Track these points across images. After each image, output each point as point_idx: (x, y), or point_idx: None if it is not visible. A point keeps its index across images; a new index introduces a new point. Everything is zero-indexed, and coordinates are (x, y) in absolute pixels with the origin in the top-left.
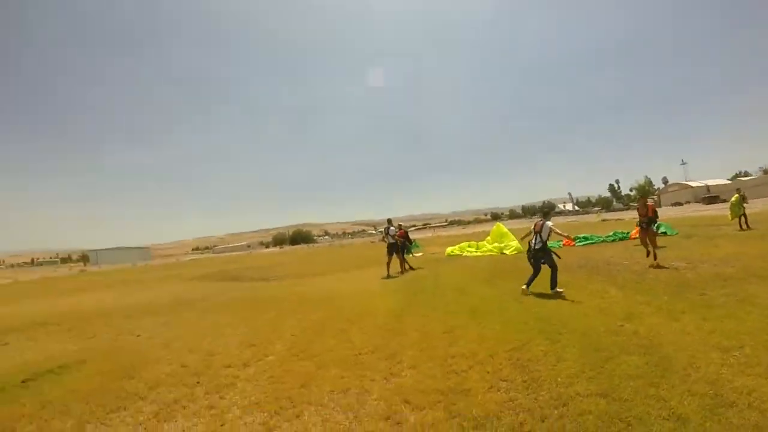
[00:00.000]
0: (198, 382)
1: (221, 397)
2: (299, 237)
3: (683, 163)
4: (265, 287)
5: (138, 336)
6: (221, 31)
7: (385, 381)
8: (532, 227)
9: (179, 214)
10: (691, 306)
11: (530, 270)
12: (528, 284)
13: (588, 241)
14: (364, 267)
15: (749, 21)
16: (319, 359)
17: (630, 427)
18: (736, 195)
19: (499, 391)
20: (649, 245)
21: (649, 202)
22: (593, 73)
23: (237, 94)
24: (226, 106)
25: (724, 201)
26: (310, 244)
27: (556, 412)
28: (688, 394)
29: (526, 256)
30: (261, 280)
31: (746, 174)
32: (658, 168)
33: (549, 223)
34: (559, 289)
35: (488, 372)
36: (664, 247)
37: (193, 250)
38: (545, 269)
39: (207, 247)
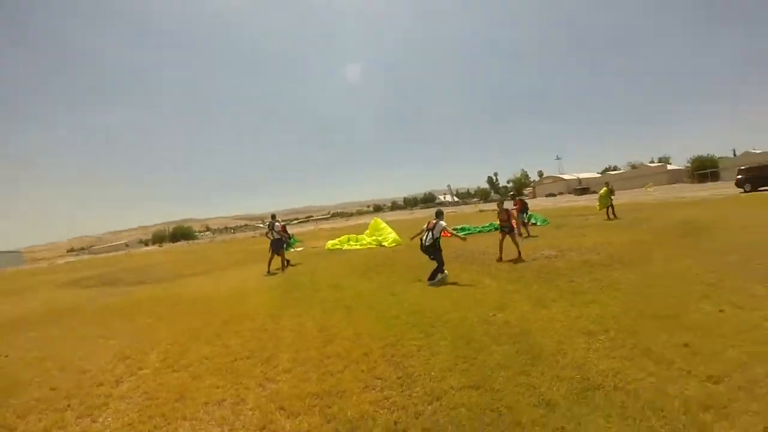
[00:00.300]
0: (69, 406)
1: (93, 421)
2: (180, 234)
3: (558, 158)
4: (141, 291)
5: (6, 356)
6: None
7: (260, 388)
8: (425, 226)
9: (52, 212)
10: (560, 293)
11: (403, 261)
12: (430, 278)
13: (466, 232)
14: (244, 264)
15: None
16: (194, 369)
17: (501, 417)
18: (605, 188)
19: (374, 390)
20: (514, 241)
21: (511, 208)
22: (476, 70)
23: (119, 74)
24: (106, 85)
25: (594, 192)
26: (191, 241)
27: (429, 407)
28: (556, 380)
29: (403, 247)
30: (137, 283)
31: (615, 168)
32: (535, 162)
33: (442, 223)
34: (440, 275)
35: (363, 371)
36: (536, 236)
37: (68, 251)
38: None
39: (83, 248)
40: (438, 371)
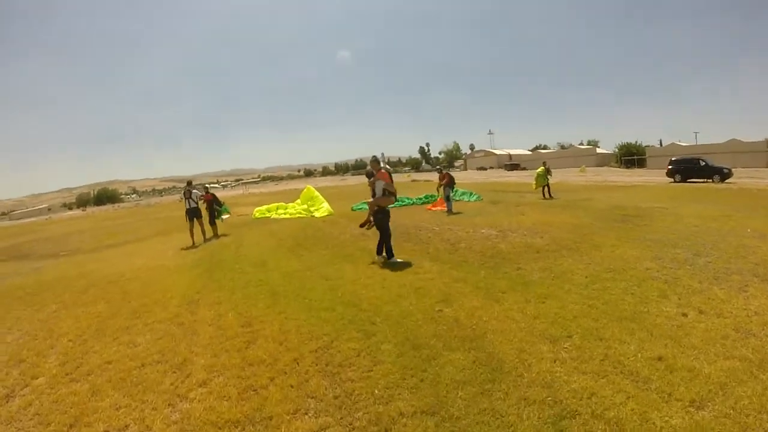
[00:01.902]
0: None
1: None
2: (105, 196)
3: (490, 133)
4: (53, 267)
5: None
6: None
7: (169, 408)
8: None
9: None
10: (510, 284)
11: (335, 237)
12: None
13: (400, 203)
14: (167, 233)
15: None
16: (95, 379)
17: None
18: (542, 167)
19: (307, 414)
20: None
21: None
22: (411, 39)
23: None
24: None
25: (524, 169)
26: (116, 205)
27: None
28: (524, 404)
29: (335, 218)
30: (51, 256)
31: (545, 147)
32: (466, 136)
33: (381, 182)
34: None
35: (293, 386)
36: (460, 213)
37: None
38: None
39: (3, 213)
40: (383, 388)
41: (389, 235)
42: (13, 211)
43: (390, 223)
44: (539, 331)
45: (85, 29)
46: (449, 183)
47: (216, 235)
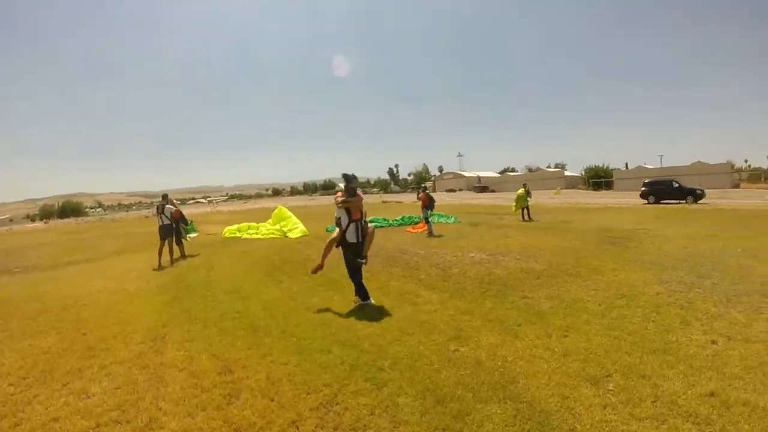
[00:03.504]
0: None
1: None
2: (69, 209)
3: (459, 155)
4: (4, 286)
5: None
6: None
7: None
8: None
9: None
10: (523, 315)
11: (314, 260)
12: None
13: (377, 224)
14: (132, 251)
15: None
16: None
17: None
18: (522, 188)
19: None
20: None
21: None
22: (382, 58)
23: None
24: None
25: (493, 191)
26: (80, 218)
27: None
28: None
29: (310, 239)
30: (4, 272)
31: (513, 170)
32: (436, 158)
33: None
34: (363, 301)
35: None
36: (441, 236)
37: None
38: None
39: None
40: None
41: (354, 272)
42: None
43: (368, 251)
44: (574, 371)
45: (54, 35)
46: (428, 204)
47: (183, 256)
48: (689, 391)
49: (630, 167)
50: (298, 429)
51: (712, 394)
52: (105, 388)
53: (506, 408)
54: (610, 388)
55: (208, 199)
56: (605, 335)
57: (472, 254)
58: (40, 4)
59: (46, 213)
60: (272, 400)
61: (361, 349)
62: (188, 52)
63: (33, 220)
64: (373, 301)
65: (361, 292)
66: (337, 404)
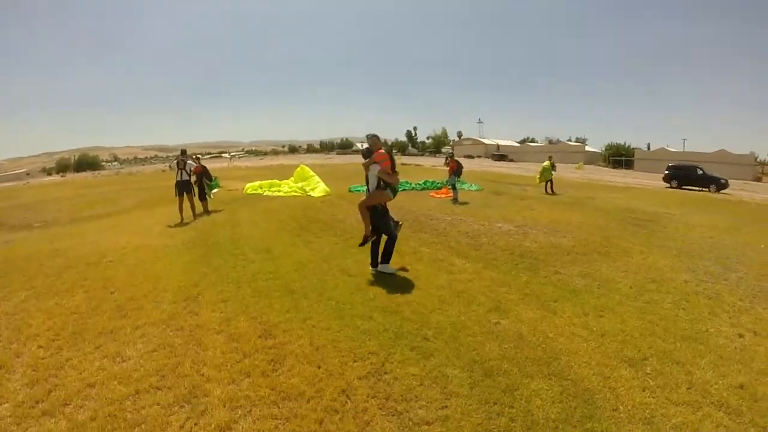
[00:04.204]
0: None
1: None
2: (85, 163)
3: (480, 122)
4: (25, 241)
5: None
6: None
7: None
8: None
9: None
10: (558, 291)
11: (340, 220)
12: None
13: (402, 188)
14: (151, 205)
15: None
16: (73, 413)
17: None
18: (548, 161)
19: None
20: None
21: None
22: (409, 31)
23: None
24: None
25: (512, 161)
26: (96, 172)
27: None
28: None
29: (333, 199)
30: (24, 227)
31: (533, 140)
32: (454, 123)
33: (377, 166)
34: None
35: None
36: (467, 203)
37: None
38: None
39: None
40: None
41: (391, 236)
42: None
43: (391, 217)
44: (612, 351)
45: None
46: (455, 170)
47: (206, 212)
48: (720, 382)
49: (652, 148)
50: (349, 398)
51: (741, 387)
52: (140, 351)
53: (552, 384)
54: (647, 371)
55: (231, 154)
56: (639, 318)
57: (499, 225)
58: None
59: (63, 166)
60: (319, 368)
61: (403, 316)
62: (207, 6)
63: (49, 174)
64: (392, 269)
65: (386, 256)
66: (385, 373)
